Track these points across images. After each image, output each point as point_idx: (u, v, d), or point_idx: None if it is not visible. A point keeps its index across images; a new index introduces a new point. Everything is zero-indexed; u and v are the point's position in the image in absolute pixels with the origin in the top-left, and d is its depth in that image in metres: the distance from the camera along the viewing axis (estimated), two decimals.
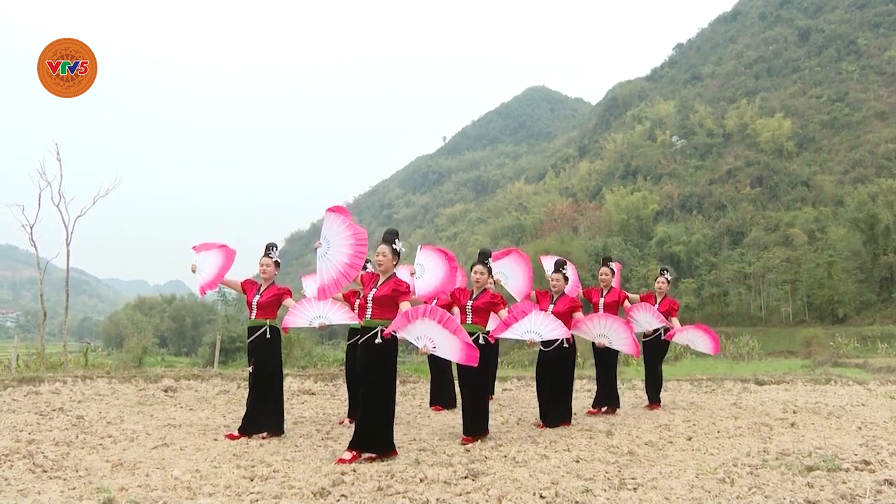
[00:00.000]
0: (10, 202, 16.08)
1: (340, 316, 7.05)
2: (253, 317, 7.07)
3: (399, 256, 6.03)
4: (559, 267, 7.86)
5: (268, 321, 7.04)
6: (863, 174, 76.16)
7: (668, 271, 9.90)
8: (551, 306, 7.65)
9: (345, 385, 9.18)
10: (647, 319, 8.91)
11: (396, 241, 5.99)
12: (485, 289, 6.99)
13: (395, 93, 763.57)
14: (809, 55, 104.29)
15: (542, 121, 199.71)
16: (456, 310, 7.12)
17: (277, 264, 7.18)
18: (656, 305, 9.37)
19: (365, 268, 7.33)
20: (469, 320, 6.87)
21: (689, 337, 9.36)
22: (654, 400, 9.30)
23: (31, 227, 15.83)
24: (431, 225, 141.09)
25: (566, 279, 7.83)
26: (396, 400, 9.41)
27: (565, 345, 7.54)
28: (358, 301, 6.96)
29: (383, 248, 5.95)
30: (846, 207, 68.32)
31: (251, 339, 7.03)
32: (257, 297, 7.04)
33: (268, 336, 7.00)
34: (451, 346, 5.75)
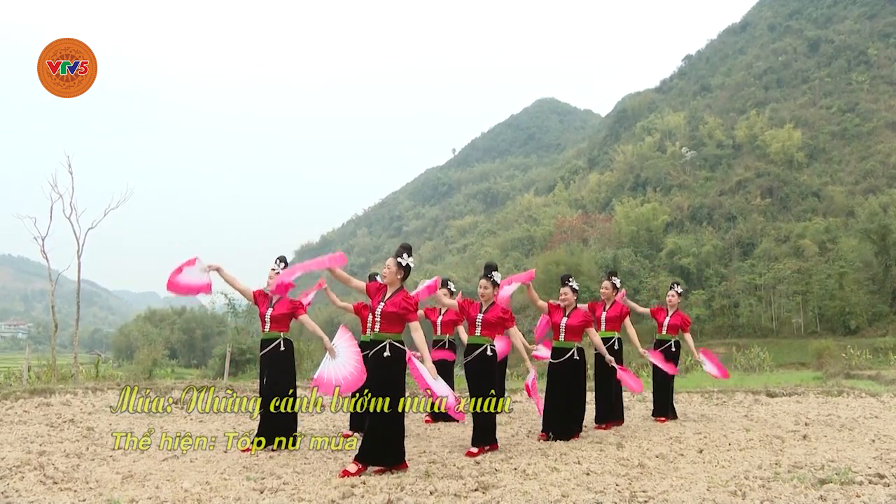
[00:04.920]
0: (23, 214, 16.21)
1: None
2: (266, 330, 7.07)
3: (407, 271, 6.00)
4: (566, 281, 7.88)
5: (282, 334, 7.06)
6: (874, 185, 75.82)
7: (678, 285, 9.93)
8: (565, 319, 7.68)
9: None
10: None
11: (405, 255, 5.99)
12: (493, 302, 6.99)
13: (405, 104, 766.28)
14: (819, 66, 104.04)
15: (552, 132, 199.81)
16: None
17: None
18: (667, 318, 9.41)
19: (373, 279, 7.44)
20: (478, 332, 6.89)
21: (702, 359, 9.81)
22: (661, 413, 9.27)
23: (43, 240, 15.94)
24: (441, 237, 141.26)
25: (574, 291, 7.84)
26: (406, 412, 9.44)
27: (576, 357, 7.55)
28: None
29: (390, 260, 6.00)
30: (857, 218, 67.98)
31: (264, 351, 7.03)
32: (270, 310, 7.05)
33: (281, 349, 7.01)
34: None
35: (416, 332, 5.88)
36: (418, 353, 5.97)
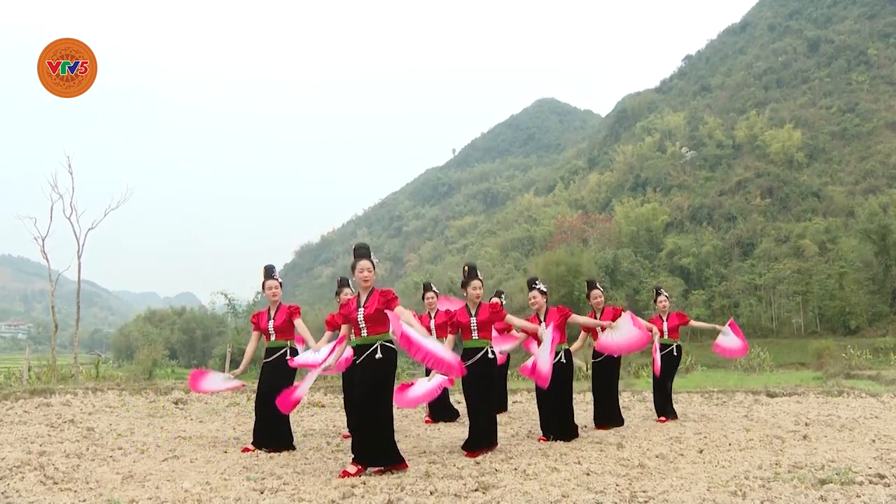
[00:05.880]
0: (23, 215, 16.27)
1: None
2: (272, 339, 7.06)
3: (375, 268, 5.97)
4: (532, 284, 7.76)
5: (288, 342, 7.05)
6: (874, 185, 75.81)
7: (662, 289, 9.79)
8: (543, 323, 7.48)
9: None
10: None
11: (372, 254, 5.95)
12: (479, 303, 6.91)
13: (405, 104, 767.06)
14: (819, 66, 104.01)
15: (552, 133, 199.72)
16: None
17: (281, 285, 7.20)
18: (665, 323, 9.39)
19: (345, 283, 7.42)
20: (475, 336, 6.80)
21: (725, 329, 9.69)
22: (662, 414, 9.26)
23: (43, 240, 16.00)
24: (441, 237, 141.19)
25: (543, 294, 7.71)
26: (406, 413, 9.45)
27: (563, 360, 7.48)
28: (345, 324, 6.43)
29: (365, 263, 5.84)
30: (857, 218, 67.97)
31: (269, 359, 7.01)
32: (271, 321, 7.03)
33: (287, 357, 6.99)
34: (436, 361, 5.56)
35: (403, 313, 5.67)
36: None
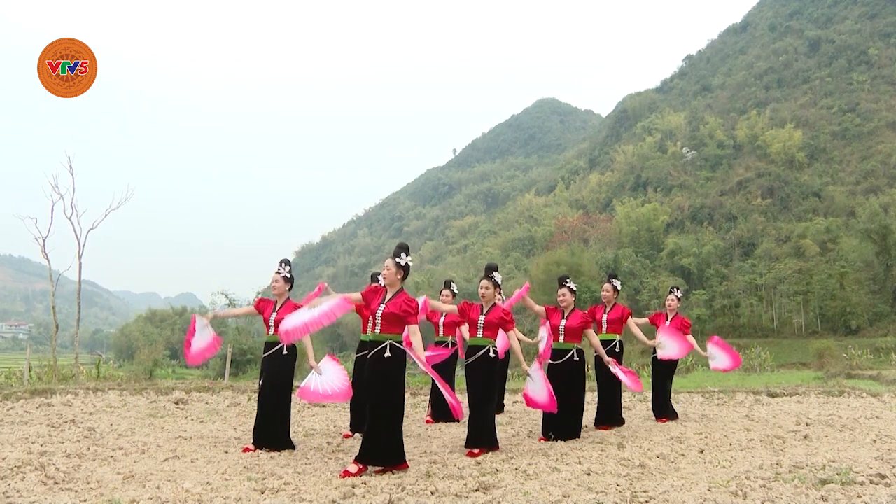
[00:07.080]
0: (24, 215, 16.21)
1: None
2: (271, 333, 7.03)
3: (406, 270, 5.97)
4: (563, 282, 7.81)
5: None
6: (874, 185, 75.80)
7: (678, 289, 9.80)
8: (563, 321, 7.61)
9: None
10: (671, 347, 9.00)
11: (403, 255, 5.94)
12: (494, 303, 6.99)
13: (406, 105, 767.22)
14: (820, 66, 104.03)
15: (553, 133, 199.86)
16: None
17: (286, 279, 7.15)
18: (668, 323, 9.35)
19: (375, 279, 7.48)
20: (480, 334, 6.87)
21: (712, 352, 9.69)
22: (661, 414, 9.24)
23: (44, 240, 15.94)
24: (442, 237, 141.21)
25: (572, 292, 7.77)
26: (406, 413, 9.43)
27: (575, 358, 7.52)
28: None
29: (388, 261, 5.96)
30: (858, 218, 67.97)
31: (268, 353, 7.01)
32: (274, 314, 7.02)
33: (285, 352, 6.99)
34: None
35: (415, 335, 5.82)
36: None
